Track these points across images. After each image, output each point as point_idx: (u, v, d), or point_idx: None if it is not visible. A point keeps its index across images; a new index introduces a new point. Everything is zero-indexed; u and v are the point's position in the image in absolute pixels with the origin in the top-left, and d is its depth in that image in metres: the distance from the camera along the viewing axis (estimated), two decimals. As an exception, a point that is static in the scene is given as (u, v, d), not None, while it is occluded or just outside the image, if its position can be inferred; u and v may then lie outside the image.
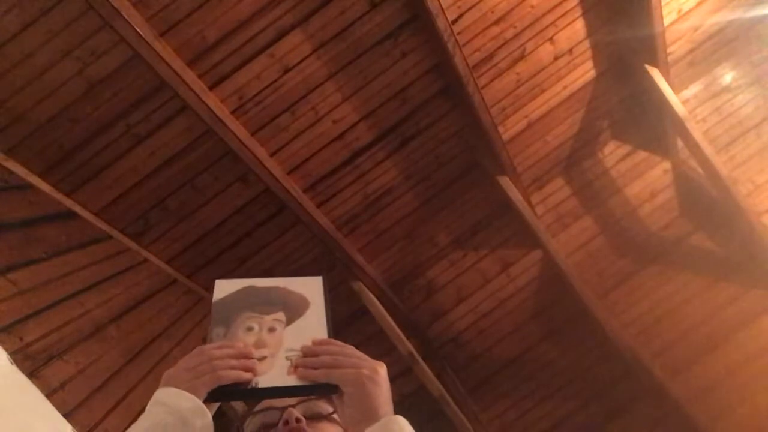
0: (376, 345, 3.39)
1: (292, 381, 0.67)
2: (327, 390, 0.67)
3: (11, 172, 2.19)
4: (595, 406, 3.97)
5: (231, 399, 0.68)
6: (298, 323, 0.75)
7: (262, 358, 0.69)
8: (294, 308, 0.76)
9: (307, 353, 0.70)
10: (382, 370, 0.67)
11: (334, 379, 0.66)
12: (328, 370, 0.67)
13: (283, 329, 0.73)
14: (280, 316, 0.75)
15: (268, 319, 0.74)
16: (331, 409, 0.77)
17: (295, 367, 0.68)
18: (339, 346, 0.71)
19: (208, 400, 0.65)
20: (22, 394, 1.36)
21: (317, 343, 0.71)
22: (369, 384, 0.65)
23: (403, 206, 3.43)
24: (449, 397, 3.36)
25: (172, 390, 0.64)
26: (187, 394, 0.63)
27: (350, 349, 0.70)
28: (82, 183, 2.47)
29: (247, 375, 0.66)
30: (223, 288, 0.77)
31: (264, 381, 0.67)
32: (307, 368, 0.67)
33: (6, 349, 1.39)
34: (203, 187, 2.75)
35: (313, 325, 0.75)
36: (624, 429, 3.94)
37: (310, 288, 0.80)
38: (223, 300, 0.76)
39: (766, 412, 3.82)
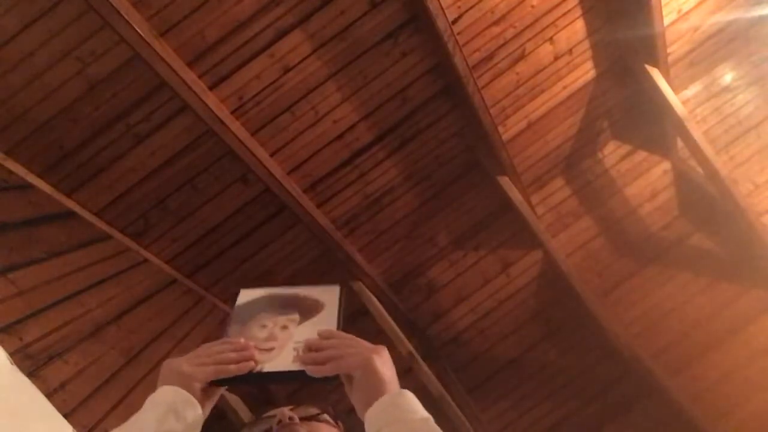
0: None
1: (296, 366, 0.70)
2: (327, 378, 0.69)
3: (11, 172, 2.19)
4: (595, 406, 3.96)
5: (235, 383, 0.70)
6: (310, 322, 0.78)
7: (270, 349, 0.72)
8: (308, 310, 0.79)
9: (312, 347, 0.71)
10: (384, 351, 0.70)
11: (342, 370, 0.68)
12: (335, 362, 0.68)
13: (295, 327, 0.76)
14: (295, 317, 0.78)
15: (282, 318, 0.77)
16: (317, 411, 0.80)
17: (301, 361, 0.70)
18: (340, 337, 0.73)
19: (213, 384, 0.67)
20: (22, 394, 1.36)
21: (322, 335, 0.73)
22: (375, 362, 0.67)
23: (403, 206, 3.43)
24: (449, 397, 3.35)
25: (166, 388, 0.66)
26: (180, 390, 0.65)
27: (351, 338, 0.73)
28: (82, 183, 2.47)
29: (248, 365, 0.68)
30: (246, 295, 0.83)
31: (269, 367, 0.70)
32: (316, 364, 0.68)
33: (6, 349, 1.39)
34: (203, 187, 2.75)
35: (324, 323, 0.78)
36: (624, 429, 3.94)
37: (327, 294, 0.84)
38: (243, 304, 0.81)
39: (766, 412, 3.82)
